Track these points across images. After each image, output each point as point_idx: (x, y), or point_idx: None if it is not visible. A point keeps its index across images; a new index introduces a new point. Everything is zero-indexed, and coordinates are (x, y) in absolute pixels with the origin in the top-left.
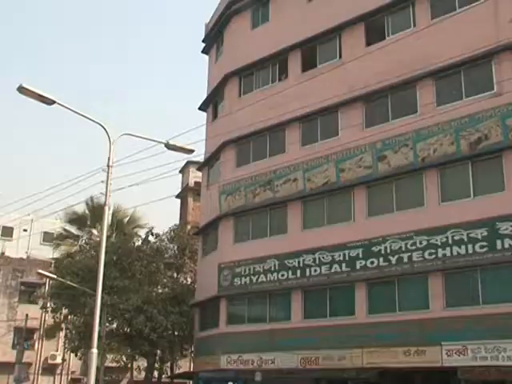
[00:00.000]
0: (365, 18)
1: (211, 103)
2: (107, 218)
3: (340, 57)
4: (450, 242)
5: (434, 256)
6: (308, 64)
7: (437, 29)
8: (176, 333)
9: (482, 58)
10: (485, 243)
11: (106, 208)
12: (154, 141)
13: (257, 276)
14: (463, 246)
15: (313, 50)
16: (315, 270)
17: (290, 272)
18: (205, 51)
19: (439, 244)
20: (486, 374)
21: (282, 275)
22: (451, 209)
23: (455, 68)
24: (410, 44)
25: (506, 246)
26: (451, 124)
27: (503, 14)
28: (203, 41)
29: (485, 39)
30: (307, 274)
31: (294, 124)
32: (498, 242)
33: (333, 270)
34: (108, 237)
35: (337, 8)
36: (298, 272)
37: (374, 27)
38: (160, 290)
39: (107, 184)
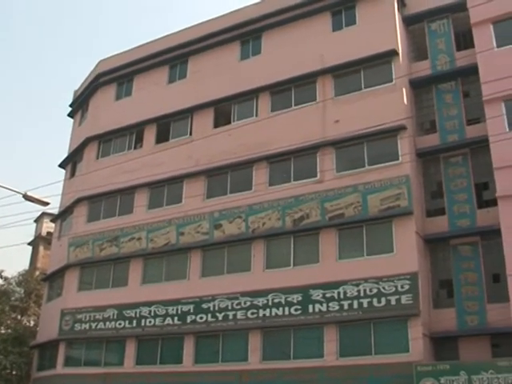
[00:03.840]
0: (215, 103)
1: (71, 162)
2: None
3: (190, 134)
4: (270, 304)
5: (255, 315)
6: (161, 137)
7: (275, 120)
8: (14, 372)
9: (310, 149)
10: (299, 307)
11: None
12: (13, 190)
13: (96, 323)
14: (281, 308)
15: (167, 126)
16: (150, 322)
17: (127, 321)
18: (71, 115)
19: (261, 305)
20: None
21: (120, 324)
22: (273, 275)
23: (287, 155)
24: (251, 130)
25: (317, 310)
26: (279, 202)
27: (330, 115)
28: (70, 105)
29: (313, 134)
30: (142, 324)
31: (143, 189)
32: (310, 307)
33: (166, 323)
34: None
35: (192, 92)
36: (135, 322)
37: (222, 112)
38: (3, 331)
39: None
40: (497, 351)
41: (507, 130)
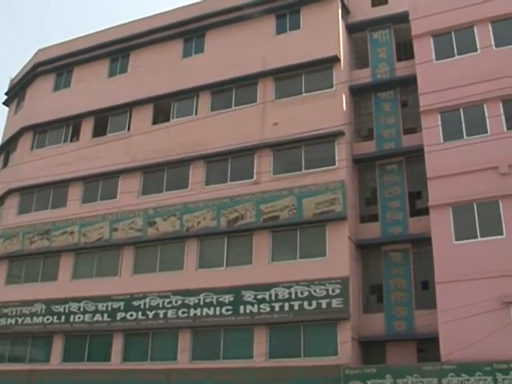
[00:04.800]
0: (154, 99)
1: (4, 152)
2: None
3: (128, 129)
4: (202, 303)
5: (186, 314)
6: (99, 131)
7: (214, 120)
8: None
9: (247, 150)
10: (230, 307)
11: None
12: None
13: (23, 318)
14: (212, 308)
15: (105, 120)
16: (79, 318)
17: (55, 317)
18: (6, 103)
19: (192, 304)
20: None
21: (47, 319)
22: (206, 275)
23: (224, 155)
24: (190, 129)
25: (248, 311)
26: (215, 202)
27: (269, 117)
28: (6, 93)
29: (252, 135)
30: (71, 320)
31: (77, 183)
32: (241, 308)
33: (95, 319)
34: None
35: (132, 87)
36: (63, 317)
37: (161, 109)
38: None
39: None
40: (422, 356)
41: (442, 141)
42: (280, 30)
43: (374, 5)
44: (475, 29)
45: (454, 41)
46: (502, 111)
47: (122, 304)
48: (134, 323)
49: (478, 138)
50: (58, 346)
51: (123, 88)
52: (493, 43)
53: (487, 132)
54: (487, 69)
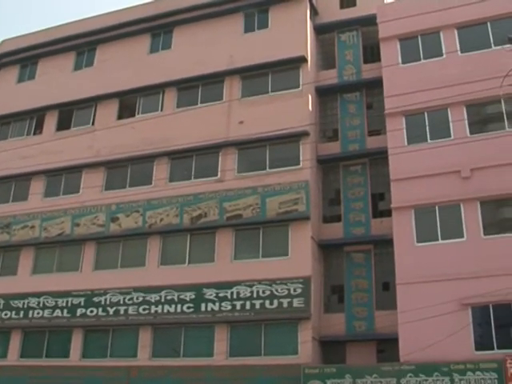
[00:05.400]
0: (120, 94)
1: None
2: None
3: (93, 124)
4: (163, 300)
5: (147, 311)
6: (63, 125)
7: (179, 117)
8: None
9: (212, 148)
10: (192, 305)
11: None
12: None
13: None
14: (173, 306)
15: (69, 113)
16: (38, 313)
17: (14, 312)
18: None
19: (153, 301)
20: None
21: (6, 314)
22: (168, 272)
23: (189, 152)
24: (155, 125)
25: (209, 309)
26: (178, 199)
27: (235, 116)
28: None
29: (217, 133)
30: (30, 315)
31: (39, 176)
32: (203, 305)
33: (54, 315)
34: None
35: (97, 81)
36: (22, 313)
37: (126, 104)
38: None
39: None
40: (382, 356)
41: (406, 143)
42: (248, 28)
43: (342, 7)
44: (441, 34)
45: (421, 45)
46: (465, 116)
47: (82, 300)
48: (94, 319)
49: (441, 142)
50: (15, 342)
51: (88, 82)
52: (458, 48)
53: (451, 136)
54: (452, 74)
